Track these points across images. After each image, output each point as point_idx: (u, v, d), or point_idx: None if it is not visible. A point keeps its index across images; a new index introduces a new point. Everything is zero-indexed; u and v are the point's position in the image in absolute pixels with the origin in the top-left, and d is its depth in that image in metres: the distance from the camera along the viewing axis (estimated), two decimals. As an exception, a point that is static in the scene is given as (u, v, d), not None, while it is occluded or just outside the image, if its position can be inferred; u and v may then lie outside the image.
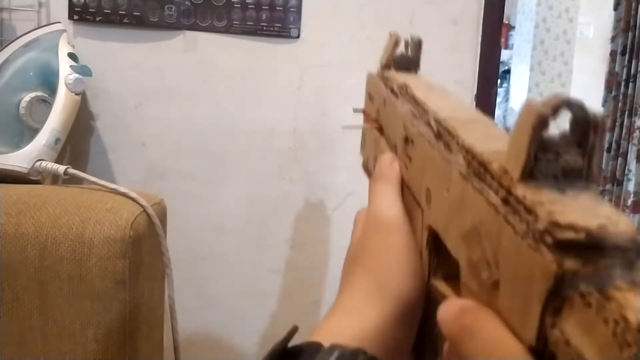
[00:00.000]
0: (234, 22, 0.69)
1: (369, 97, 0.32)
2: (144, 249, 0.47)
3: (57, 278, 0.45)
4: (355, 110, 0.33)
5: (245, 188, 0.73)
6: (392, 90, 0.27)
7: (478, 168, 0.15)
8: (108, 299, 0.45)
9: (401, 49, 0.32)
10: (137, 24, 0.68)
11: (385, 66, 0.31)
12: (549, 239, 0.11)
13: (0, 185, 0.49)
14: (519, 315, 0.12)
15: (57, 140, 0.57)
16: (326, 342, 0.19)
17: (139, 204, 0.47)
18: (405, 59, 0.32)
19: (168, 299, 0.52)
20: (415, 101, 0.23)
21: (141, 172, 0.71)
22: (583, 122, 0.13)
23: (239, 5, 0.69)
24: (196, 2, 0.68)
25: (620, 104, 1.49)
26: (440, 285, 0.19)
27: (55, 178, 0.57)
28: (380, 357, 0.19)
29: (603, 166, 1.55)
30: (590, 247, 0.11)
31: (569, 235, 0.11)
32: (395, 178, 0.23)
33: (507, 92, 2.53)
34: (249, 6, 0.69)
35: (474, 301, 0.15)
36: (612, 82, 1.53)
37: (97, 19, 0.67)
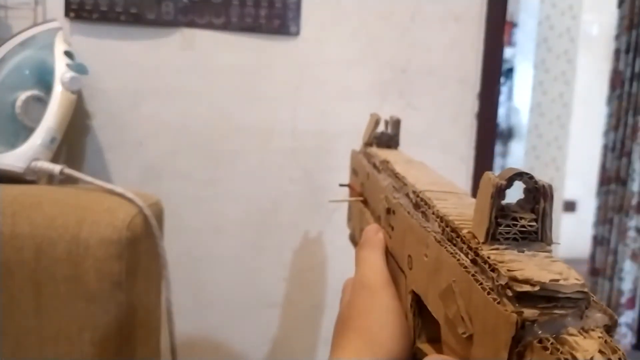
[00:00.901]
0: (232, 19, 0.68)
1: (354, 172, 0.35)
2: (140, 250, 0.46)
3: (53, 279, 0.44)
4: (342, 185, 0.37)
5: (244, 188, 0.72)
6: (375, 166, 0.30)
7: (451, 234, 0.18)
8: (104, 300, 0.44)
9: (381, 127, 0.35)
10: (134, 22, 0.67)
11: (368, 144, 0.35)
12: (509, 292, 0.13)
13: (-5, 185, 0.49)
14: None
15: (53, 140, 0.56)
16: None
17: (135, 204, 0.46)
18: (385, 137, 0.35)
19: (165, 301, 0.51)
20: (395, 175, 0.25)
21: (138, 172, 0.70)
22: (534, 191, 0.15)
23: (237, 2, 0.68)
24: (194, -1, 0.67)
25: (624, 103, 1.47)
26: (425, 348, 0.21)
27: (51, 178, 0.57)
28: None
29: (607, 165, 1.54)
30: (546, 299, 0.13)
31: (526, 288, 0.13)
32: (380, 245, 0.25)
33: (510, 90, 2.52)
34: (248, 3, 0.68)
35: (453, 357, 0.16)
36: (617, 81, 1.52)
37: (94, 16, 0.66)
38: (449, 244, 0.17)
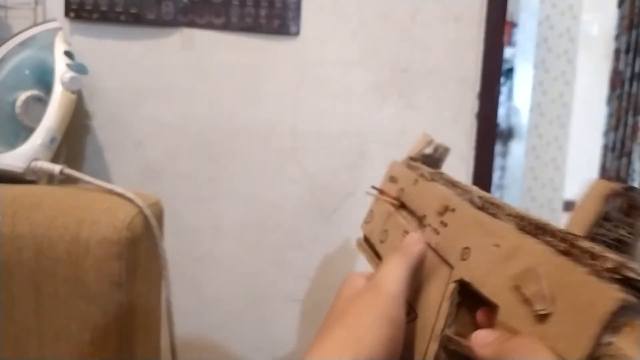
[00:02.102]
0: (232, 19, 0.68)
1: (391, 179, 0.37)
2: (140, 250, 0.46)
3: (53, 280, 0.44)
4: (374, 188, 0.38)
5: (244, 188, 0.72)
6: (423, 175, 0.31)
7: (535, 228, 0.19)
8: (104, 300, 0.44)
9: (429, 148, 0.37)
10: (134, 22, 0.67)
11: (413, 159, 0.36)
12: (616, 275, 0.15)
13: (-5, 185, 0.49)
14: (571, 336, 0.15)
15: (52, 140, 0.56)
16: None
17: (135, 204, 0.46)
18: (431, 159, 0.37)
19: (165, 301, 0.51)
20: (453, 184, 0.27)
21: (138, 172, 0.70)
22: (636, 207, 0.17)
23: (237, 2, 0.68)
24: (194, -1, 0.67)
25: (624, 103, 1.47)
26: (456, 330, 0.22)
27: (51, 178, 0.56)
28: None
29: (607, 165, 1.54)
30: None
31: (633, 274, 0.15)
32: (413, 257, 0.25)
33: (510, 90, 2.52)
34: (248, 3, 0.68)
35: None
36: (617, 81, 1.52)
37: (94, 16, 0.66)
38: (533, 235, 0.19)
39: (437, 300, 0.23)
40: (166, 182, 0.70)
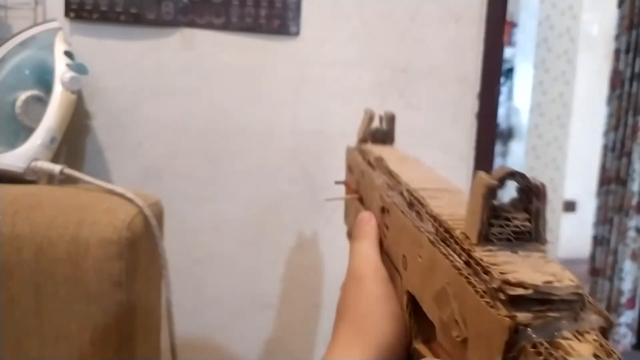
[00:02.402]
0: (232, 19, 0.68)
1: (349, 169, 0.35)
2: (140, 250, 0.46)
3: (53, 280, 0.44)
4: (337, 183, 0.36)
5: (244, 188, 0.72)
6: (369, 163, 0.29)
7: (444, 234, 0.17)
8: (104, 301, 0.44)
9: (376, 123, 0.35)
10: (134, 22, 0.67)
11: (362, 140, 0.34)
12: (502, 296, 0.13)
13: (-5, 185, 0.49)
14: None
15: (52, 140, 0.56)
16: None
17: (135, 204, 0.46)
18: (380, 133, 0.35)
19: (165, 301, 0.51)
20: (389, 173, 0.25)
21: (138, 172, 0.70)
22: (527, 190, 0.15)
23: (237, 2, 0.68)
24: (194, -1, 0.67)
25: (624, 103, 1.47)
26: (421, 349, 0.20)
27: (51, 178, 0.56)
28: None
29: (607, 165, 1.54)
30: (540, 302, 0.13)
31: (519, 291, 0.13)
32: (371, 234, 0.25)
33: (510, 90, 2.52)
34: (248, 3, 0.68)
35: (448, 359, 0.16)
36: (617, 81, 1.52)
37: (94, 16, 0.66)
38: (443, 244, 0.17)
39: (402, 309, 0.22)
40: (166, 182, 0.70)
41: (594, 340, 0.12)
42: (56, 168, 0.53)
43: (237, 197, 0.72)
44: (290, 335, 0.75)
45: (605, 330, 0.13)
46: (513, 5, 2.32)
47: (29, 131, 0.56)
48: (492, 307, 0.13)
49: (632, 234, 1.43)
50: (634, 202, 1.43)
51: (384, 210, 0.24)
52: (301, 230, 0.74)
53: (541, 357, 0.12)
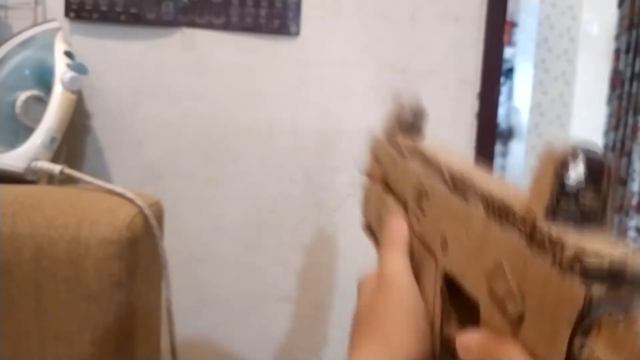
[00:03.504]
0: (232, 19, 0.68)
1: (375, 159, 0.34)
2: (140, 250, 0.46)
3: (53, 279, 0.44)
4: (360, 171, 0.35)
5: (244, 188, 0.72)
6: (401, 153, 0.28)
7: (499, 211, 0.17)
8: (104, 300, 0.44)
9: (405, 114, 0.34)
10: (134, 21, 0.67)
11: (391, 130, 0.33)
12: (577, 266, 0.13)
13: (-5, 185, 0.49)
14: (546, 341, 0.13)
15: (52, 140, 0.56)
16: None
17: (135, 204, 0.46)
18: (410, 125, 0.33)
19: (165, 301, 0.51)
20: (427, 160, 0.24)
21: (138, 172, 0.70)
22: (598, 168, 0.14)
23: (237, 2, 0.68)
24: (194, -1, 0.67)
25: (624, 103, 1.47)
26: (453, 331, 0.20)
27: (51, 178, 0.56)
28: None
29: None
30: (612, 277, 0.12)
31: (595, 261, 0.12)
32: (403, 243, 0.24)
33: (510, 90, 2.52)
34: (248, 3, 0.68)
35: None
36: (617, 80, 1.52)
37: (94, 16, 0.66)
38: (498, 220, 0.16)
39: (430, 296, 0.22)
40: (166, 182, 0.70)
41: None
42: (56, 168, 0.53)
43: (237, 197, 0.72)
44: (291, 335, 0.75)
45: None
46: (513, 5, 2.32)
47: (29, 131, 0.56)
48: (563, 277, 0.13)
49: (632, 233, 1.43)
50: (634, 202, 1.43)
51: (421, 194, 0.24)
52: (301, 230, 0.74)
53: (618, 329, 0.12)
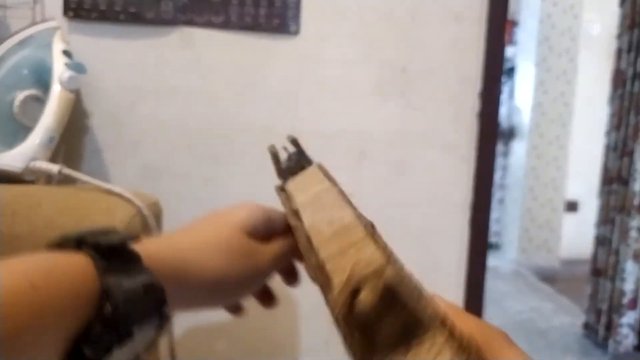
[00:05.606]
0: (232, 18, 0.68)
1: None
2: (139, 250, 0.46)
3: (51, 280, 0.44)
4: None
5: (243, 188, 0.72)
6: (294, 212, 0.30)
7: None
8: (102, 301, 0.44)
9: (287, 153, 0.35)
10: (133, 20, 0.67)
11: (283, 180, 0.34)
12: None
13: (-7, 185, 0.48)
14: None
15: (51, 139, 0.56)
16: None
17: (134, 204, 0.46)
18: (293, 163, 0.35)
19: (164, 302, 0.51)
20: (307, 238, 0.27)
21: (136, 171, 0.70)
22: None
23: (236, 1, 0.67)
24: (194, -2, 0.67)
25: (626, 102, 1.46)
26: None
27: (49, 178, 0.56)
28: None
29: (609, 165, 1.53)
30: None
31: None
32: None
33: (511, 89, 2.51)
34: (247, 1, 0.67)
35: None
36: (618, 80, 1.51)
37: (92, 15, 0.66)
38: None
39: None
40: (165, 181, 0.70)
41: None
42: (54, 168, 0.52)
43: (237, 197, 0.72)
44: (291, 335, 0.75)
45: None
46: (514, 4, 2.31)
47: (27, 131, 0.56)
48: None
49: (634, 234, 1.43)
50: (636, 202, 1.42)
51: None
52: (301, 230, 0.73)
53: None
